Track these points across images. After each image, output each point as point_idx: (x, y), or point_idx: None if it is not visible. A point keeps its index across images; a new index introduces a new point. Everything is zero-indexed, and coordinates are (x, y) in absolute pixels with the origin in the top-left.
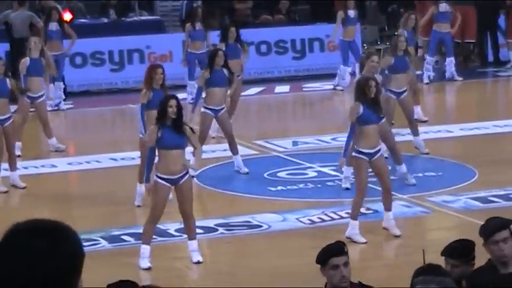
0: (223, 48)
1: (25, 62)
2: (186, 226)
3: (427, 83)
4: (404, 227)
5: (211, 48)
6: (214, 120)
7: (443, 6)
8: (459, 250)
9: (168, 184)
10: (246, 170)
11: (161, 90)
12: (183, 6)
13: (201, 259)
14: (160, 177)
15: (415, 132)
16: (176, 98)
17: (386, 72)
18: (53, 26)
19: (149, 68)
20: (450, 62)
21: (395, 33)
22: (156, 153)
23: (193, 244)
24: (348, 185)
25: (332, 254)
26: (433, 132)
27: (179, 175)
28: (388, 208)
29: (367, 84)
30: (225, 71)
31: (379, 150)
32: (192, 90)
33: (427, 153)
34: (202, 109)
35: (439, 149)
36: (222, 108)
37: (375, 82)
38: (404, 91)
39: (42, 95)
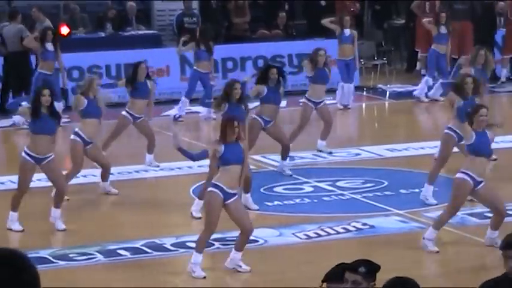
0: (265, 91)
1: (83, 101)
2: (57, 197)
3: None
4: (400, 243)
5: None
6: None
7: (443, 28)
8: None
9: (32, 161)
10: None
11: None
12: (174, 20)
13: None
14: (27, 153)
15: (324, 137)
16: (49, 88)
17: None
18: (49, 46)
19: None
20: (440, 84)
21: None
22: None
23: (56, 212)
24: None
25: (347, 268)
26: (429, 148)
27: (45, 156)
28: (246, 191)
29: (232, 86)
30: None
31: None
32: (183, 107)
33: (330, 153)
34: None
35: None
36: None
37: (240, 85)
38: (323, 101)
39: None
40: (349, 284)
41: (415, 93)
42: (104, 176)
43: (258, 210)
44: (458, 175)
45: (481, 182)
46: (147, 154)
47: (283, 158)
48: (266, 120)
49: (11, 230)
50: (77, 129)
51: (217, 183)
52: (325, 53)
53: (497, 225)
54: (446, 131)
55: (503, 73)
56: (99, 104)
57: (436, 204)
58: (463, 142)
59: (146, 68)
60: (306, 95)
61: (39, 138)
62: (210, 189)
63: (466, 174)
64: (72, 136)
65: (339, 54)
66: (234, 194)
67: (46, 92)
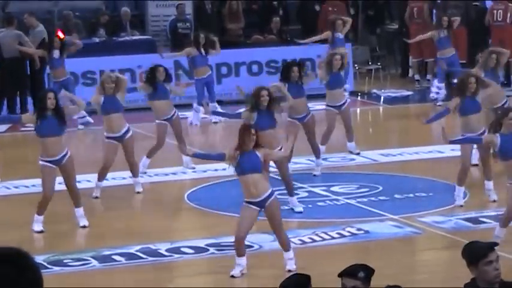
0: (286, 88)
1: (98, 99)
2: (73, 196)
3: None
4: (395, 248)
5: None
6: None
7: (444, 32)
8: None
9: (52, 165)
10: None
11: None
12: (168, 25)
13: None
14: (44, 160)
15: (351, 138)
16: (54, 92)
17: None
18: (56, 53)
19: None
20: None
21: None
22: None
23: (80, 210)
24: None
25: (345, 274)
26: (423, 152)
27: (60, 156)
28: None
29: (259, 94)
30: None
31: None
32: (198, 114)
33: (358, 153)
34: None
35: (430, 170)
36: None
37: (267, 92)
38: (344, 103)
39: (127, 131)
40: None
41: (434, 97)
42: (133, 172)
43: (301, 212)
44: (508, 184)
45: None
46: (184, 158)
47: (317, 156)
48: (299, 117)
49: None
50: (105, 133)
51: (245, 199)
52: (341, 57)
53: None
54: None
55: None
56: (120, 97)
57: (461, 206)
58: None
59: (165, 71)
60: (327, 102)
61: (47, 141)
62: (243, 204)
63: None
64: (105, 140)
65: None
66: (266, 199)
67: (51, 95)
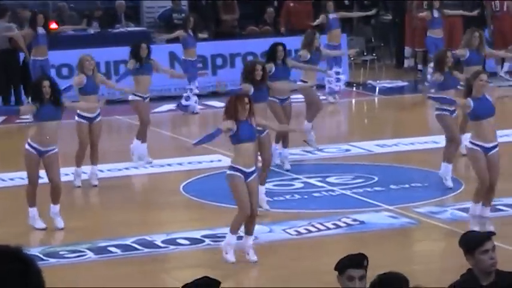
0: (273, 69)
1: (82, 79)
2: (53, 191)
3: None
4: (390, 238)
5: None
6: None
7: (436, 13)
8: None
9: (35, 152)
10: None
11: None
12: (159, 13)
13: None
14: (30, 145)
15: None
16: (49, 79)
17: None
18: (40, 30)
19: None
20: None
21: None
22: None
23: (55, 208)
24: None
25: (351, 265)
26: (419, 143)
27: (48, 148)
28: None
29: (254, 68)
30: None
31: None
32: (190, 95)
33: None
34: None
35: (425, 160)
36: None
37: (261, 66)
38: (314, 85)
39: (98, 115)
40: (356, 280)
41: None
42: (93, 160)
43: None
44: (468, 144)
45: (492, 147)
46: (141, 143)
47: (284, 144)
48: (281, 98)
49: (34, 228)
50: (78, 110)
51: (235, 165)
52: (319, 36)
53: (483, 198)
54: (436, 112)
55: (506, 68)
56: (96, 80)
57: (451, 188)
58: (454, 114)
59: (147, 48)
60: (302, 78)
61: (44, 126)
62: (229, 172)
63: (473, 144)
64: (76, 118)
65: (328, 40)
66: (252, 173)
67: (46, 83)
